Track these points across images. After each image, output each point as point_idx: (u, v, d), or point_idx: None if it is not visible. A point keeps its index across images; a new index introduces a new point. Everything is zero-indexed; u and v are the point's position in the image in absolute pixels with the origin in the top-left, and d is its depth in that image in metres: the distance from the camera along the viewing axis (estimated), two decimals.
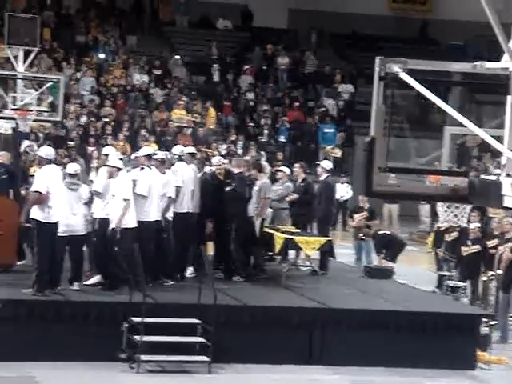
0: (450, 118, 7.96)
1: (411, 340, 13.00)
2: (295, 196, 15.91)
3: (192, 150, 14.92)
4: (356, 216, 18.03)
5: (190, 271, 14.39)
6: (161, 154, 14.06)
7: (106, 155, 13.72)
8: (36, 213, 12.50)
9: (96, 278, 13.33)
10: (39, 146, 19.75)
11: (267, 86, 31.85)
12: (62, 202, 12.82)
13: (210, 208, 14.40)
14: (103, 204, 13.13)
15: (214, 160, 15.40)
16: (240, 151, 24.65)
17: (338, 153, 28.95)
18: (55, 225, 12.63)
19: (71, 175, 13.16)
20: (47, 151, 13.12)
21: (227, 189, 14.50)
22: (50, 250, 12.53)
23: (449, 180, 8.06)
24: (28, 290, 12.47)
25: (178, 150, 14.58)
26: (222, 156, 17.66)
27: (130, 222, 12.92)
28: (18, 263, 14.13)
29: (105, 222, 13.00)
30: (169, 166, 14.00)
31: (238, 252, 14.41)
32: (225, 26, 34.61)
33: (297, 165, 16.55)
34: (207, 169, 15.52)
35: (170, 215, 13.79)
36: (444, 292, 15.74)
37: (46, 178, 12.60)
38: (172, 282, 13.78)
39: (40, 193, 12.44)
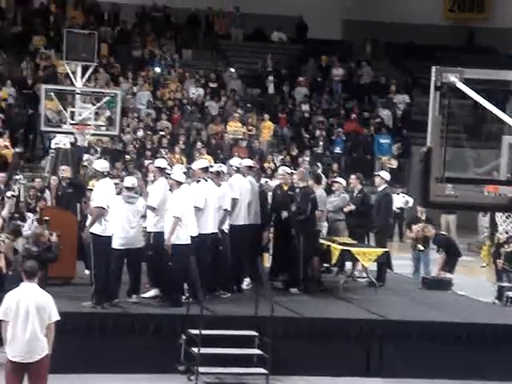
0: (508, 127, 7.87)
1: (471, 352, 12.83)
2: (353, 207, 15.82)
3: (250, 162, 14.92)
4: (414, 227, 17.88)
5: (246, 283, 14.41)
6: (216, 167, 14.10)
7: (159, 168, 13.64)
8: (93, 226, 12.63)
9: (153, 292, 13.42)
10: (97, 160, 19.97)
11: (322, 98, 31.83)
12: (119, 215, 12.95)
13: (267, 219, 14.44)
14: (156, 218, 13.19)
15: (279, 171, 15.48)
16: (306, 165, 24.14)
17: (394, 163, 28.80)
18: (110, 238, 12.76)
19: (128, 188, 13.24)
20: (102, 164, 13.24)
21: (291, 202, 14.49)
22: (106, 262, 12.66)
23: (507, 190, 7.97)
24: (87, 303, 12.60)
25: (235, 162, 14.60)
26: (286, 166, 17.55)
27: (183, 238, 12.93)
28: (87, 272, 14.22)
29: (159, 236, 13.07)
30: (225, 179, 14.05)
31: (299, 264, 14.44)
32: (279, 38, 34.70)
33: (353, 176, 16.48)
34: (263, 180, 15.56)
35: (226, 227, 13.82)
36: (504, 303, 15.52)
37: (104, 192, 12.75)
38: (229, 294, 13.82)
39: (103, 208, 12.59)
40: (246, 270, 14.32)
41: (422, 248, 17.67)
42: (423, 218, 17.68)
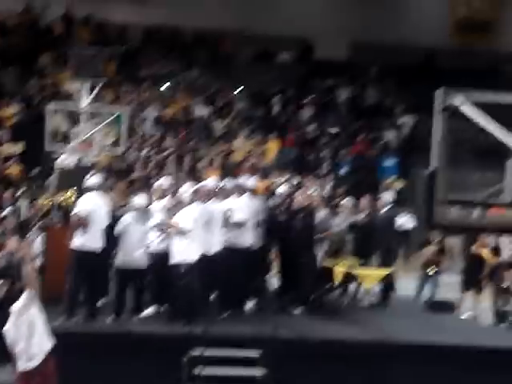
0: None
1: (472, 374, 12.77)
2: (356, 228, 15.85)
3: (256, 183, 14.89)
4: (425, 249, 17.84)
5: (251, 303, 14.36)
6: (209, 184, 13.87)
7: (161, 186, 13.70)
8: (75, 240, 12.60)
9: (152, 308, 13.42)
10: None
11: (328, 119, 31.86)
12: (127, 234, 13.02)
13: (275, 240, 14.43)
14: (160, 237, 13.16)
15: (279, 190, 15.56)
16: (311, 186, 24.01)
17: (399, 185, 28.78)
18: (91, 254, 12.73)
19: (137, 208, 13.30)
20: (92, 180, 13.27)
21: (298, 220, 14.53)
22: (87, 277, 12.67)
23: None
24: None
25: (241, 181, 14.50)
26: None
27: (186, 256, 12.85)
28: None
29: (158, 253, 13.05)
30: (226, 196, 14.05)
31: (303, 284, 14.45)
32: (285, 58, 34.81)
33: (364, 199, 16.42)
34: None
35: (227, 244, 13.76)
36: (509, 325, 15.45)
37: (85, 203, 12.79)
38: (229, 313, 13.80)
39: (78, 215, 12.57)
40: (251, 290, 14.29)
41: (431, 272, 17.60)
42: (435, 240, 17.59)
